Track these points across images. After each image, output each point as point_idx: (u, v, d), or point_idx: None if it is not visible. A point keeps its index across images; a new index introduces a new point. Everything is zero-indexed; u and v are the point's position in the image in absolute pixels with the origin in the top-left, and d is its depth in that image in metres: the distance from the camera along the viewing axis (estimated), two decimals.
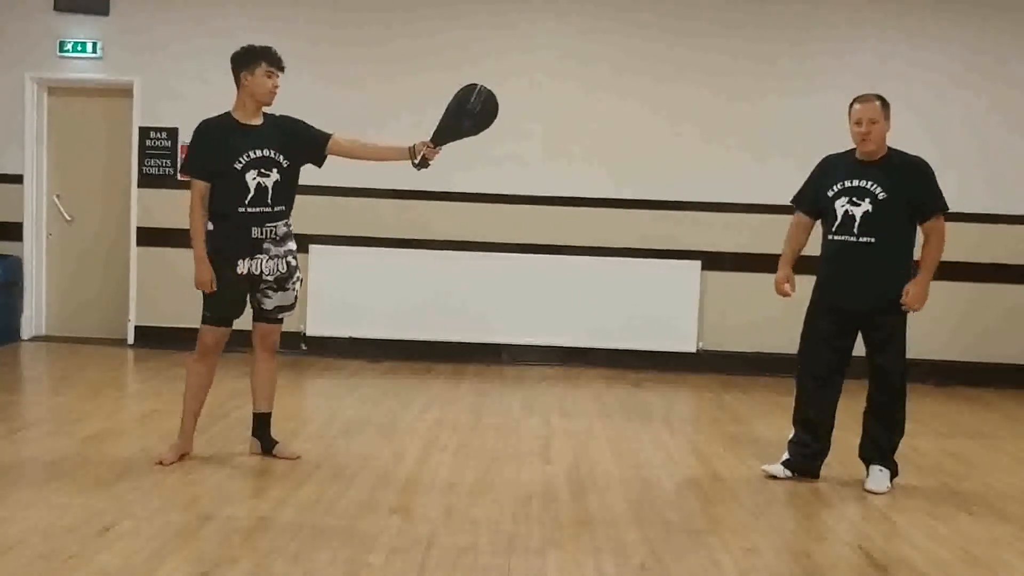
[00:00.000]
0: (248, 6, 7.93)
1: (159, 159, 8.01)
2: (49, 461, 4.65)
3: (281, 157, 4.58)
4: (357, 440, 5.28)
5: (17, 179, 8.10)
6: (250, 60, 4.55)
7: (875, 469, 4.73)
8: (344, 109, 7.23)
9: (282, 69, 4.62)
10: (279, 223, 4.62)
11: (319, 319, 7.90)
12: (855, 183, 4.65)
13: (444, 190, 7.77)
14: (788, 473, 4.83)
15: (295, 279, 4.72)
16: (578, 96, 7.91)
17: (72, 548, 3.50)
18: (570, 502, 4.34)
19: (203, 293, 4.61)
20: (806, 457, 4.83)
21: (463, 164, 7.10)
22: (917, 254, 4.71)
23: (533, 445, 5.34)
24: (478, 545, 3.74)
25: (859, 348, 4.77)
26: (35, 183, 8.16)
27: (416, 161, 4.58)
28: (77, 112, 8.23)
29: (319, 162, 4.76)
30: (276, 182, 4.57)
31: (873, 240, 4.59)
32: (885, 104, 4.65)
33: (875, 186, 4.60)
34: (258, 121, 4.62)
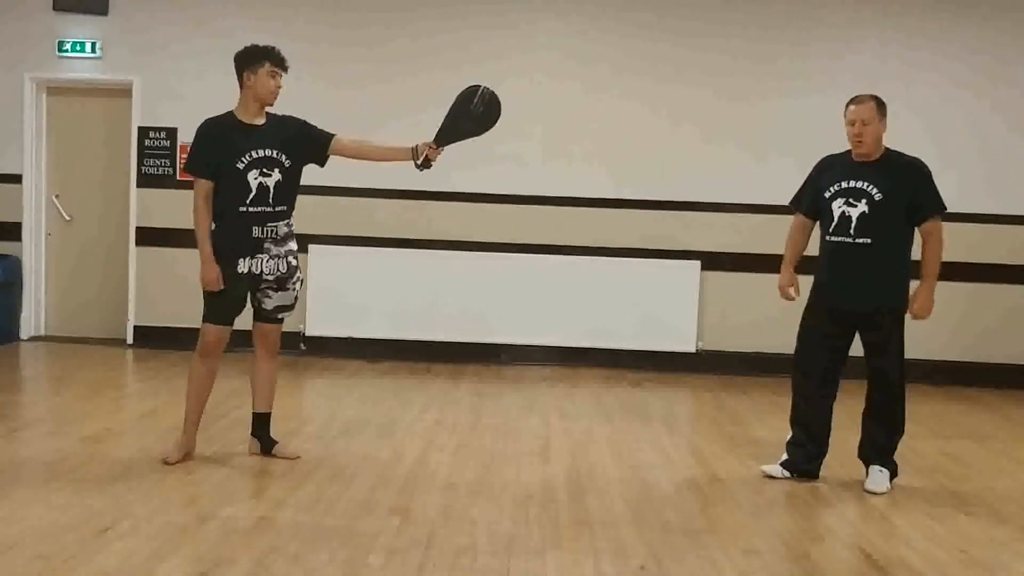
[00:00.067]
0: (248, 6, 7.93)
1: (158, 159, 8.01)
2: (48, 461, 4.65)
3: (283, 157, 4.58)
4: (356, 440, 5.28)
5: (16, 179, 8.10)
6: (254, 60, 4.55)
7: (874, 469, 4.73)
8: (344, 109, 7.22)
9: (286, 69, 4.62)
10: (280, 223, 4.62)
11: (318, 319, 7.90)
12: (851, 184, 4.64)
13: (444, 190, 7.77)
14: (787, 474, 4.83)
15: (295, 279, 4.72)
16: (578, 96, 7.91)
17: (71, 548, 3.50)
18: (569, 503, 4.34)
19: (204, 293, 4.61)
20: (804, 458, 4.83)
21: (463, 164, 7.10)
22: (914, 255, 4.70)
23: (532, 445, 5.34)
24: (477, 545, 3.74)
25: (857, 349, 4.77)
26: (34, 183, 8.16)
27: (419, 162, 4.57)
28: (76, 112, 8.23)
29: (322, 162, 4.76)
30: (278, 182, 4.57)
31: (870, 241, 4.59)
32: (881, 105, 4.64)
33: (871, 187, 4.60)
34: (261, 121, 4.62)
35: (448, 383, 7.07)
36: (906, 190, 4.61)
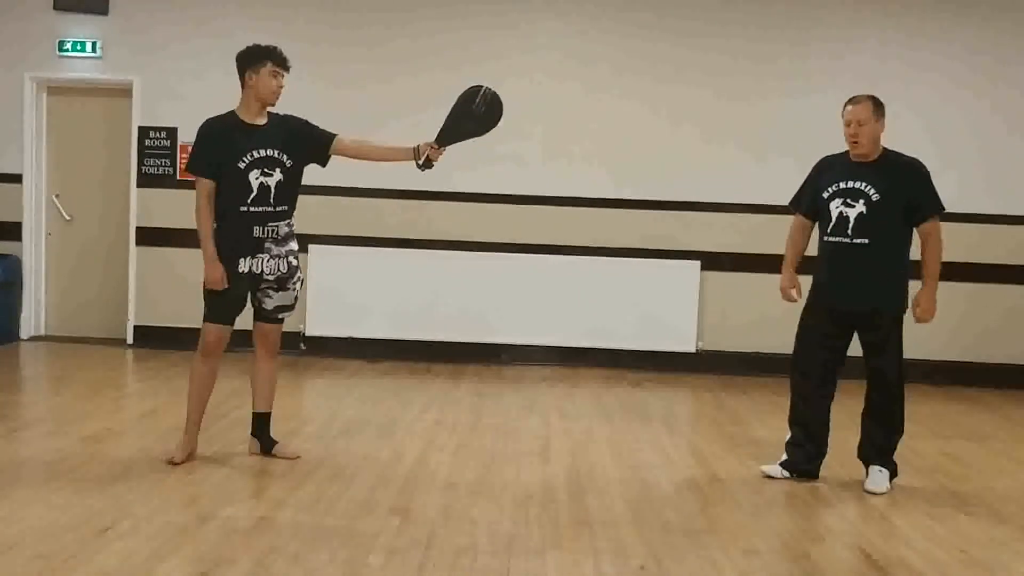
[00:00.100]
0: (248, 6, 7.93)
1: (158, 159, 8.01)
2: (48, 461, 4.65)
3: (285, 157, 4.58)
4: (356, 440, 5.28)
5: (16, 179, 8.10)
6: (256, 59, 4.55)
7: (874, 469, 4.73)
8: (344, 109, 7.22)
9: (287, 69, 4.62)
10: (281, 223, 4.63)
11: (318, 319, 7.90)
12: (849, 184, 4.65)
13: (444, 190, 7.77)
14: (786, 474, 4.83)
15: (296, 279, 4.73)
16: (578, 96, 7.91)
17: (71, 548, 3.50)
18: (569, 503, 4.34)
19: (204, 292, 4.61)
20: (804, 458, 4.83)
21: (463, 164, 7.09)
22: (913, 255, 4.70)
23: (532, 445, 5.34)
24: (477, 545, 3.75)
25: (856, 349, 4.77)
26: (34, 183, 8.16)
27: (420, 162, 4.57)
28: (76, 112, 8.23)
29: (323, 162, 4.76)
30: (279, 182, 4.57)
31: (867, 241, 4.59)
32: (878, 105, 4.64)
33: (869, 187, 4.60)
34: (262, 121, 4.62)
35: (448, 383, 7.07)
36: (904, 190, 4.61)
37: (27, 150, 8.09)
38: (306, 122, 4.71)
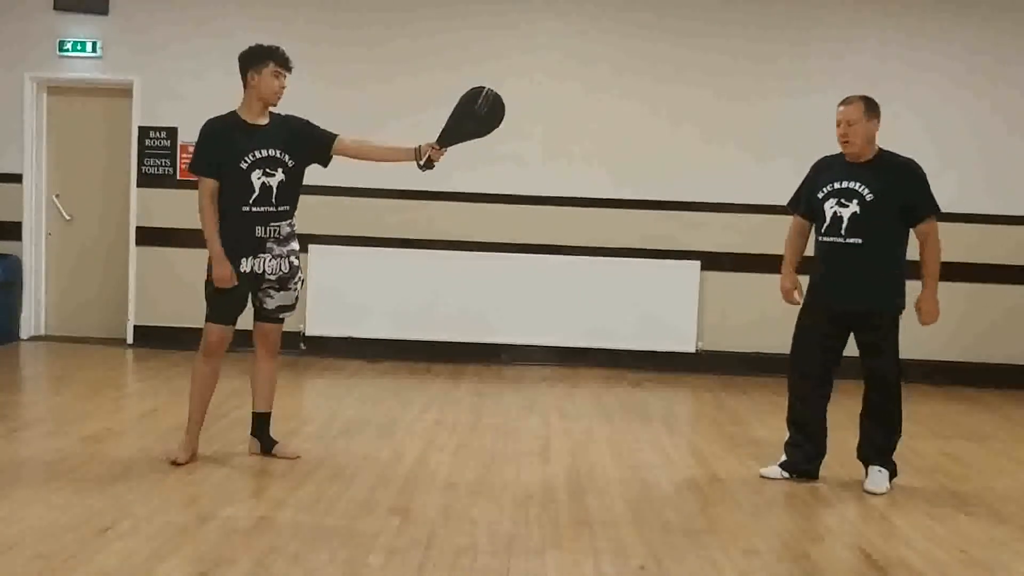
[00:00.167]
0: (248, 6, 7.93)
1: (158, 159, 8.01)
2: (48, 461, 4.65)
3: (287, 157, 4.58)
4: (356, 440, 5.28)
5: (16, 178, 8.10)
6: (258, 59, 4.55)
7: (874, 470, 4.73)
8: (344, 109, 7.22)
9: (290, 69, 4.62)
10: (283, 223, 4.63)
11: (318, 319, 7.90)
12: (843, 184, 4.65)
13: (444, 190, 7.77)
14: (785, 475, 4.83)
15: (297, 279, 4.73)
16: (578, 96, 7.91)
17: (71, 548, 3.50)
18: (569, 503, 4.34)
19: (207, 292, 4.61)
20: (803, 458, 4.83)
21: (463, 164, 7.08)
22: (910, 255, 4.70)
23: (532, 445, 5.35)
24: (477, 545, 3.75)
25: (852, 349, 4.77)
26: (34, 182, 8.17)
27: (421, 162, 4.57)
28: (77, 112, 8.23)
29: (325, 162, 4.76)
30: (281, 182, 4.57)
31: (860, 241, 4.59)
32: (870, 106, 4.63)
33: (863, 187, 4.60)
34: (264, 121, 4.62)
35: (448, 383, 7.07)
36: (899, 191, 4.61)
37: (27, 150, 8.09)
38: (307, 122, 4.71)
